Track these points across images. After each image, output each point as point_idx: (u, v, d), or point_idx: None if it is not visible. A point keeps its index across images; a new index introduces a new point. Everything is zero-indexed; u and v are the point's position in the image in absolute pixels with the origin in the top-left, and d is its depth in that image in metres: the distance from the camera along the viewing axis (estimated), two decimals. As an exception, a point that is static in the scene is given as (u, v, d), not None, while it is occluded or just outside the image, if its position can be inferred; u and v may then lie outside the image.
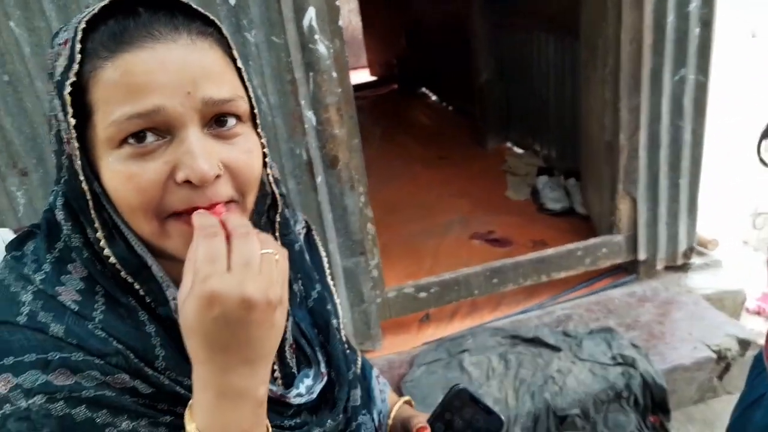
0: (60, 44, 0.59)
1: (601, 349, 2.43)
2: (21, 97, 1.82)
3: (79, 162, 0.59)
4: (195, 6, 0.62)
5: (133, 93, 0.56)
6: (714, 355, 2.43)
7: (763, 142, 1.26)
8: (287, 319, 0.73)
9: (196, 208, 0.59)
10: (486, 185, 4.37)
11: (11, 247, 0.66)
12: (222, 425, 0.56)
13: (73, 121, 0.58)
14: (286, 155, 2.18)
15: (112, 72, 0.56)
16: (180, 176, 0.58)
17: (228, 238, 0.56)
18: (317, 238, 0.92)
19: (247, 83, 0.66)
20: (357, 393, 0.83)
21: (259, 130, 0.67)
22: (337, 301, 0.88)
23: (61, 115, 0.58)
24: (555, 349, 2.46)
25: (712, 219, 3.69)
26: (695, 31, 2.57)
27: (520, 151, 4.99)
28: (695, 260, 3.04)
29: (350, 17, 9.33)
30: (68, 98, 0.57)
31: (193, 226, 0.58)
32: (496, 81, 5.06)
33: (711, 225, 3.50)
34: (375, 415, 0.92)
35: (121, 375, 0.59)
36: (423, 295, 2.69)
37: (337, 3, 2.11)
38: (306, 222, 0.92)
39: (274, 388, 0.69)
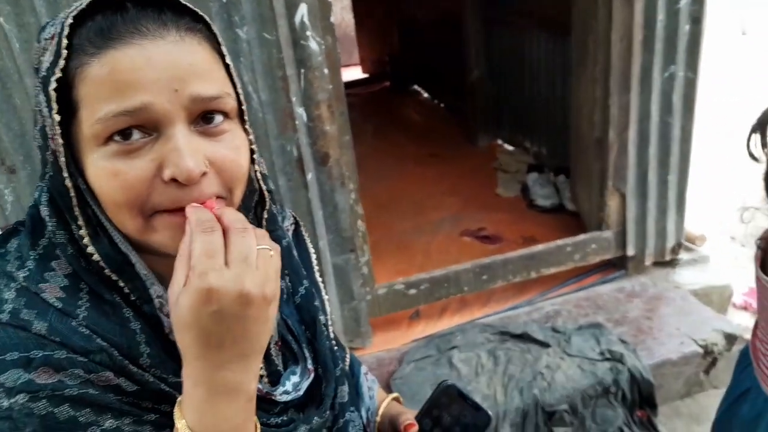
0: (47, 39, 0.59)
1: (590, 345, 2.44)
2: (10, 93, 1.81)
3: (63, 159, 0.59)
4: (184, 2, 0.61)
5: (119, 90, 0.56)
6: (701, 350, 2.46)
7: (753, 137, 1.27)
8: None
9: (183, 207, 0.58)
10: (477, 182, 4.39)
11: None
12: (214, 421, 0.56)
13: (57, 118, 0.57)
14: (277, 152, 2.18)
15: (98, 69, 0.56)
16: (166, 174, 0.57)
17: (224, 232, 0.56)
18: (306, 235, 0.92)
19: (236, 80, 0.65)
20: (344, 390, 0.83)
21: (246, 126, 0.67)
22: (326, 297, 0.88)
23: (46, 111, 0.58)
24: (544, 345, 2.47)
25: (700, 215, 3.73)
26: (685, 28, 2.59)
27: (510, 148, 5.01)
28: (683, 256, 3.07)
29: (342, 14, 9.29)
30: (53, 94, 0.56)
31: (179, 219, 0.58)
32: (487, 79, 5.07)
33: (699, 221, 3.54)
34: (363, 412, 0.92)
35: (105, 373, 0.58)
36: (413, 292, 2.70)
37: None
38: (294, 218, 0.91)
39: (261, 386, 0.69)
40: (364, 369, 1.00)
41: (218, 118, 0.61)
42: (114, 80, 0.56)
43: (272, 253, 0.57)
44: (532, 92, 4.40)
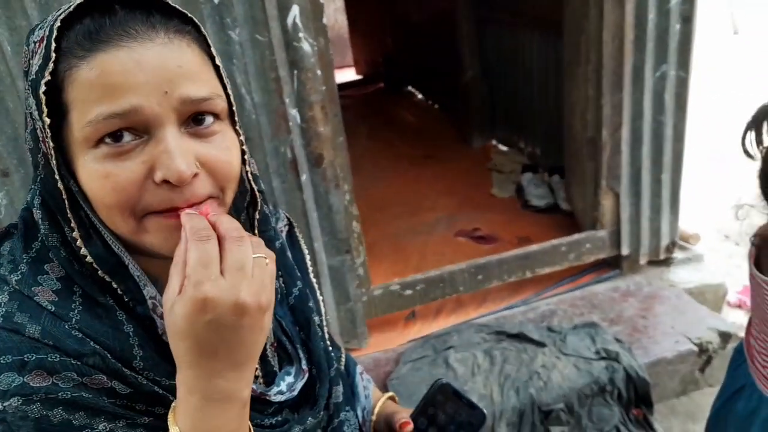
0: (35, 42, 0.59)
1: (585, 344, 2.45)
2: (2, 96, 1.80)
3: (54, 161, 0.58)
4: (172, 4, 0.61)
5: (109, 93, 0.55)
6: (696, 348, 2.47)
7: (748, 134, 1.28)
8: None
9: (174, 208, 0.59)
10: (471, 183, 4.39)
11: None
12: (207, 428, 0.56)
13: (48, 121, 0.57)
14: (271, 154, 2.17)
15: (87, 71, 0.56)
16: (158, 176, 0.57)
17: (220, 241, 0.56)
18: (300, 236, 0.92)
19: (226, 80, 0.65)
20: (339, 390, 0.83)
21: (237, 127, 0.67)
22: (320, 298, 0.88)
23: (36, 114, 0.58)
24: (539, 344, 2.48)
25: (694, 214, 3.74)
26: (676, 27, 2.60)
27: (505, 148, 5.02)
28: (678, 255, 3.08)
29: (336, 16, 9.29)
30: (43, 97, 0.56)
31: (171, 220, 0.58)
32: (481, 79, 5.08)
33: (693, 219, 3.55)
34: (359, 412, 0.92)
35: (98, 376, 0.58)
36: (409, 292, 2.70)
37: (321, 1, 2.10)
38: (288, 219, 0.92)
39: (255, 387, 0.69)
40: (359, 369, 1.00)
41: (209, 119, 0.61)
42: (103, 83, 0.55)
43: (267, 261, 0.57)
44: (526, 92, 4.41)
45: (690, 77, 2.72)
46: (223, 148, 0.62)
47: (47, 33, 0.57)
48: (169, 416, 0.58)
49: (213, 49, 0.64)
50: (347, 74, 9.09)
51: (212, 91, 0.61)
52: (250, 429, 0.62)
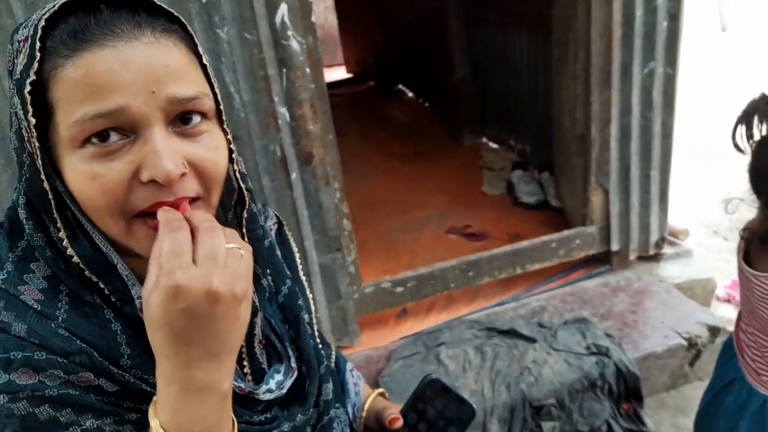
0: (20, 41, 0.58)
1: (576, 339, 2.46)
2: (-13, 96, 1.79)
3: (40, 161, 0.58)
4: (159, 3, 0.61)
5: (95, 93, 0.55)
6: (685, 343, 2.49)
7: (738, 128, 1.29)
8: (257, 315, 0.73)
9: (161, 203, 0.59)
10: (462, 180, 4.40)
11: None
12: (187, 420, 0.56)
13: (33, 121, 0.57)
14: (260, 152, 2.17)
15: (73, 71, 0.55)
16: (145, 176, 0.57)
17: (193, 233, 0.56)
18: (289, 234, 0.92)
19: (213, 80, 0.65)
20: (329, 387, 0.83)
21: (224, 126, 0.67)
22: (310, 296, 0.89)
23: (21, 113, 0.57)
24: (530, 340, 2.49)
25: (683, 209, 3.77)
26: (663, 24, 2.61)
27: (495, 146, 5.04)
28: (667, 250, 3.10)
29: (326, 14, 9.27)
30: (28, 97, 0.56)
31: (158, 230, 0.58)
32: (471, 77, 5.09)
33: (682, 215, 3.58)
34: (349, 408, 0.93)
35: (85, 373, 0.58)
36: (400, 289, 2.70)
37: (309, -1, 2.11)
38: (277, 217, 0.92)
39: (243, 385, 0.69)
40: (349, 366, 1.01)
41: (196, 118, 0.61)
42: (89, 83, 0.55)
43: (242, 252, 0.57)
44: (516, 90, 4.42)
45: (678, 74, 2.74)
46: (211, 147, 0.62)
47: (32, 32, 0.56)
48: (149, 409, 0.58)
49: (200, 48, 0.64)
50: (338, 73, 9.08)
51: (199, 90, 0.61)
52: (234, 423, 0.61)
